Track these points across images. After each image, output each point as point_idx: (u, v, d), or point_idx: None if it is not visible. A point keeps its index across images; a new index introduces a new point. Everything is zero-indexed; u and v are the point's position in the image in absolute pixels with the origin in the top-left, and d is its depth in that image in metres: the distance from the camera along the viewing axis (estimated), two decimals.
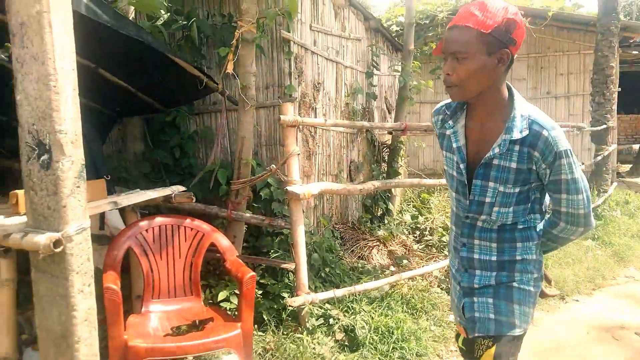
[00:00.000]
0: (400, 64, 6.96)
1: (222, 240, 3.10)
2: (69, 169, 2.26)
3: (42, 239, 2.15)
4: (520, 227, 1.74)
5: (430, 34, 9.08)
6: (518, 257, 1.75)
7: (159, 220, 3.06)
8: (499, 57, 1.55)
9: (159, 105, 4.06)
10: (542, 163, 1.60)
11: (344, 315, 3.54)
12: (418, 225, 5.89)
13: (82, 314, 2.33)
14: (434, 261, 4.98)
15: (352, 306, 3.67)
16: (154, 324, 2.70)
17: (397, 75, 7.35)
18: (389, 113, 7.78)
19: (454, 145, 1.74)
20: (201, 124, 4.53)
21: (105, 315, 2.43)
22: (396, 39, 8.23)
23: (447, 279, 4.72)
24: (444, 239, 5.47)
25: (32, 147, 2.27)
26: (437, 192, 6.97)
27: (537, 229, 1.78)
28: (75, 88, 2.30)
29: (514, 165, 1.63)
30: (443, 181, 5.10)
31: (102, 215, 3.27)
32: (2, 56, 3.40)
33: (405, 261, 5.00)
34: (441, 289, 4.45)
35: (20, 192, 2.73)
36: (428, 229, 5.76)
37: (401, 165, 6.54)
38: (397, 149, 6.33)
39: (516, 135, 1.59)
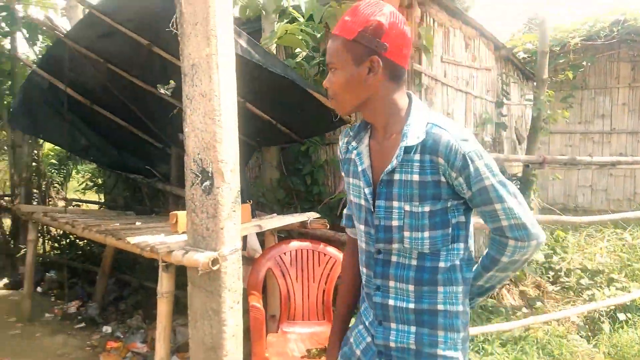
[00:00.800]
0: (531, 92, 6.67)
1: None
2: (228, 194, 2.47)
3: (202, 257, 2.37)
4: (443, 265, 1.41)
5: (561, 61, 8.62)
6: (440, 307, 1.42)
7: (296, 244, 3.21)
8: (369, 65, 1.35)
9: (295, 136, 4.31)
10: (451, 171, 1.33)
11: (476, 356, 3.42)
12: (552, 266, 5.51)
13: (231, 329, 2.51)
14: (572, 305, 4.62)
15: (484, 347, 3.53)
16: (292, 345, 2.82)
17: (528, 105, 7.03)
18: (519, 144, 7.46)
19: (359, 168, 1.48)
20: (331, 153, 4.71)
21: (249, 332, 2.60)
22: (525, 66, 7.93)
23: (587, 326, 4.36)
24: (582, 281, 5.06)
25: (196, 174, 2.53)
26: (574, 230, 6.49)
27: (465, 271, 1.45)
28: (236, 122, 2.54)
29: (415, 177, 1.36)
30: (587, 219, 4.76)
31: (244, 237, 3.51)
32: (164, 91, 3.84)
33: (538, 303, 4.69)
34: (580, 336, 4.11)
35: (180, 213, 3.03)
36: (564, 270, 5.36)
37: (532, 200, 6.21)
38: (530, 182, 6.03)
39: (412, 140, 1.35)
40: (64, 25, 4.59)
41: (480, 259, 1.48)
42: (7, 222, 7.34)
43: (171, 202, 4.97)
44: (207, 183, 2.47)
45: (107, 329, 4.46)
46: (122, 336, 4.34)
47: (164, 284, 2.75)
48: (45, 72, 4.39)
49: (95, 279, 5.75)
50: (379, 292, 1.47)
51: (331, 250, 3.25)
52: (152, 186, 5.05)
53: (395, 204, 1.39)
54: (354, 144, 1.52)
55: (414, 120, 1.38)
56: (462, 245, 1.42)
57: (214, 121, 2.42)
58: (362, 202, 1.48)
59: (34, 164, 6.76)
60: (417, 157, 1.35)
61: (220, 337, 2.50)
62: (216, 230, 2.46)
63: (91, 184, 6.37)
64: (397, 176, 1.38)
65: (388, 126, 1.43)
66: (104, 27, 3.16)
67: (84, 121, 4.70)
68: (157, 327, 2.80)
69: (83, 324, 4.61)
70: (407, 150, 1.36)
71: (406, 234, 1.39)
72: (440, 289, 1.41)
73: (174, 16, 2.57)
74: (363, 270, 1.54)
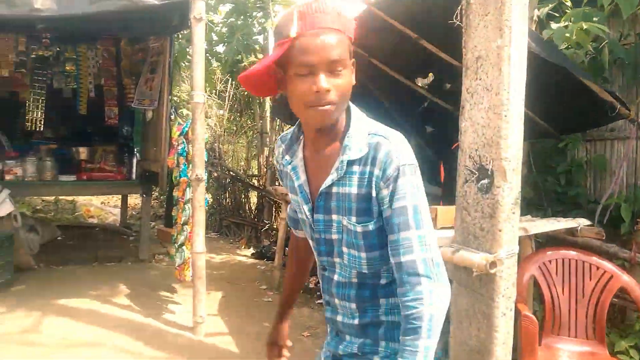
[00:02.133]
0: None
1: (637, 289, 2.76)
2: (508, 195, 2.32)
3: (478, 258, 2.27)
4: (384, 281, 1.32)
5: None
6: (382, 318, 1.33)
7: (564, 253, 2.93)
8: (353, 67, 1.24)
9: (553, 131, 3.93)
10: (380, 181, 1.21)
11: None
12: None
13: (502, 336, 2.37)
14: None
15: None
16: None
17: None
18: None
19: (295, 183, 1.36)
20: (592, 151, 4.20)
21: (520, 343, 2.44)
22: None
23: None
24: None
25: (471, 170, 2.43)
26: None
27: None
28: (522, 117, 2.36)
29: (354, 190, 1.25)
30: None
31: None
32: (421, 84, 3.85)
33: None
34: None
35: (439, 208, 3.00)
36: None
37: None
38: None
39: (355, 154, 1.23)
40: None
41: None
42: (254, 199, 8.37)
43: None
44: (485, 181, 2.36)
45: None
46: None
47: None
48: None
49: None
50: (328, 307, 1.44)
51: (607, 264, 2.88)
52: None
53: (334, 217, 1.31)
54: (287, 157, 1.40)
55: (355, 131, 1.25)
56: None
57: (500, 116, 2.28)
58: (304, 216, 1.39)
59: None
60: (356, 168, 1.25)
61: (490, 343, 2.38)
62: (492, 231, 2.34)
63: None
64: (335, 189, 1.28)
65: (328, 137, 1.29)
66: (377, 22, 3.27)
67: None
68: None
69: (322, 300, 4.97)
70: (350, 162, 1.24)
71: (344, 249, 1.31)
72: (382, 301, 1.33)
73: (458, 8, 2.49)
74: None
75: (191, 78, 3.50)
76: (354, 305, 1.35)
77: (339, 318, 1.40)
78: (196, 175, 3.54)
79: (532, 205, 4.28)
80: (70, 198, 8.98)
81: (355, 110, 1.30)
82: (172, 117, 4.84)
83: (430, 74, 3.73)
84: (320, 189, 1.31)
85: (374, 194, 1.24)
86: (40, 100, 6.05)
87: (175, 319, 4.05)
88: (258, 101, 8.08)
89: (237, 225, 7.89)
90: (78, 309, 4.09)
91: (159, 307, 4.32)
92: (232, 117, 9.34)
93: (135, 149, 5.97)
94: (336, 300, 1.39)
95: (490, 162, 2.34)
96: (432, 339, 1.14)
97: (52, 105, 6.32)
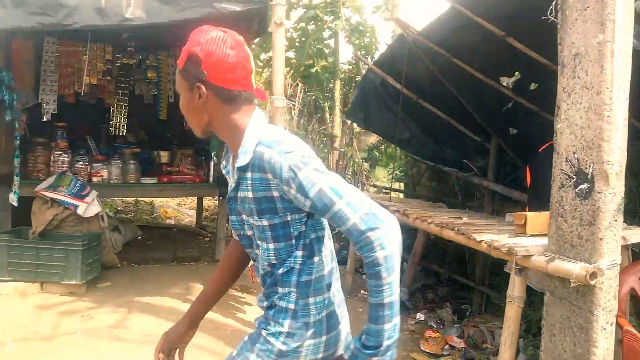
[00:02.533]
0: None
1: None
2: (610, 201, 2.18)
3: (577, 268, 2.13)
4: (281, 271, 1.47)
5: None
6: (275, 302, 1.50)
7: None
8: (197, 92, 1.41)
9: None
10: (283, 186, 1.34)
11: None
12: None
13: (601, 352, 2.22)
14: None
15: None
16: None
17: None
18: None
19: (229, 188, 1.52)
20: None
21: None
22: None
23: None
24: None
25: (568, 175, 2.29)
26: None
27: (302, 275, 1.45)
28: (626, 118, 2.21)
29: (250, 194, 1.42)
30: None
31: None
32: (506, 84, 3.70)
33: None
34: None
35: (529, 214, 2.86)
36: None
37: None
38: None
39: (242, 161, 1.39)
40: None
41: None
42: None
43: (486, 198, 4.84)
44: (585, 186, 2.22)
45: (420, 316, 4.63)
46: (434, 326, 4.45)
47: (516, 288, 2.62)
48: (379, 68, 4.75)
49: (400, 262, 6.07)
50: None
51: None
52: (467, 180, 5.01)
53: (244, 217, 1.48)
54: (223, 162, 1.59)
55: (247, 140, 1.40)
56: (300, 252, 1.45)
57: (601, 117, 2.14)
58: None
59: (349, 153, 7.54)
60: (249, 175, 1.39)
61: (587, 358, 2.24)
62: (592, 239, 2.20)
63: (401, 174, 6.74)
64: (238, 193, 1.46)
65: (234, 146, 1.45)
66: (460, 20, 3.19)
67: (408, 114, 4.93)
68: (503, 332, 2.71)
69: None
70: (241, 169, 1.40)
71: (259, 242, 1.47)
72: (279, 289, 1.48)
73: (552, 3, 2.36)
74: None
75: (270, 83, 3.54)
76: (264, 291, 1.56)
77: (258, 301, 1.61)
78: None
79: (625, 212, 4.00)
80: (148, 200, 9.39)
81: (254, 120, 1.44)
82: None
83: (517, 73, 3.57)
84: (228, 194, 1.52)
85: (276, 194, 1.37)
86: (124, 106, 6.37)
87: (251, 320, 4.11)
88: (329, 104, 8.13)
89: None
90: (160, 307, 4.24)
91: (235, 307, 4.41)
92: (300, 121, 9.46)
93: (212, 153, 6.13)
94: (262, 289, 1.58)
95: (590, 166, 2.21)
96: (393, 274, 1.27)
97: (134, 111, 6.64)
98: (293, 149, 1.34)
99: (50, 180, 4.89)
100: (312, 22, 7.51)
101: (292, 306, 1.46)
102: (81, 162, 5.48)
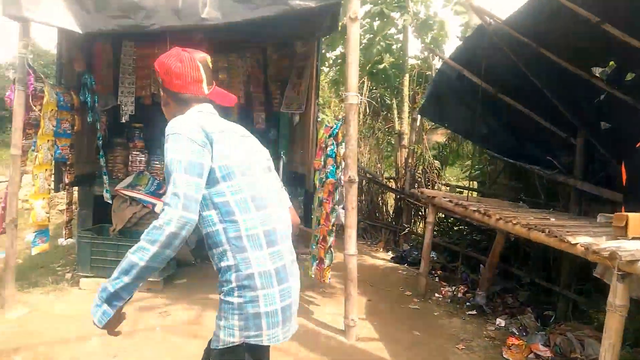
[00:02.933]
0: None
1: None
2: None
3: None
4: (205, 231, 1.70)
5: None
6: (219, 264, 1.69)
7: None
8: (162, 94, 1.90)
9: None
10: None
11: None
12: None
13: None
14: None
15: None
16: None
17: None
18: None
19: None
20: None
21: None
22: None
23: None
24: None
25: None
26: None
27: (230, 232, 1.66)
28: None
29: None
30: None
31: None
32: (598, 74, 3.42)
33: None
34: None
35: (632, 216, 2.60)
36: None
37: None
38: None
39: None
40: None
41: None
42: (390, 201, 8.24)
43: (573, 198, 4.52)
44: None
45: (500, 322, 4.39)
46: (517, 332, 4.20)
47: (619, 296, 2.38)
48: (456, 62, 4.55)
49: (475, 265, 5.83)
50: None
51: None
52: (551, 178, 4.70)
53: None
54: None
55: None
56: (213, 212, 1.66)
57: None
58: None
59: (418, 150, 7.33)
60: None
61: None
62: None
63: (476, 172, 6.47)
64: None
65: None
66: (549, 7, 2.97)
67: (486, 109, 4.70)
68: (602, 343, 2.47)
69: (474, 312, 4.67)
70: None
71: None
72: (214, 251, 1.69)
73: None
74: None
75: (336, 82, 3.46)
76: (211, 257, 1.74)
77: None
78: (349, 177, 3.49)
79: None
80: None
81: (188, 112, 1.80)
82: (319, 119, 4.88)
83: (611, 63, 3.29)
84: None
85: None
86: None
87: (324, 320, 4.05)
88: (397, 101, 7.95)
89: (373, 227, 7.81)
90: None
91: (306, 307, 4.36)
92: (366, 120, 9.33)
93: (282, 152, 6.14)
94: None
95: None
96: (152, 247, 1.53)
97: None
98: (175, 126, 1.66)
99: (129, 179, 5.06)
100: (378, 18, 7.37)
101: (232, 262, 1.65)
102: (157, 162, 5.63)
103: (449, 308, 4.76)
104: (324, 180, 4.21)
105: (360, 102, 8.96)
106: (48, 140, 4.03)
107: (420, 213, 7.23)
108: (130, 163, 5.50)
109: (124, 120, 5.69)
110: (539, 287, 4.87)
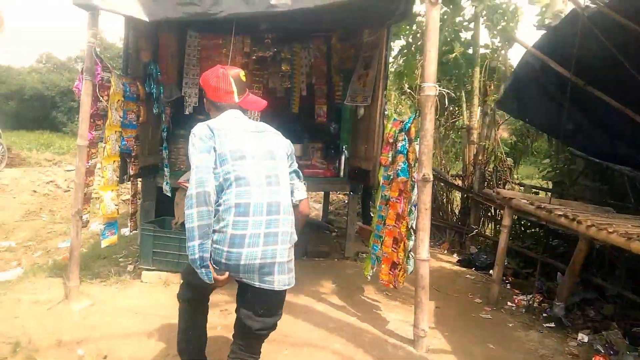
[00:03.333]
0: None
1: None
2: None
3: None
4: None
5: None
6: None
7: None
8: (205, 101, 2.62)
9: None
10: None
11: None
12: None
13: None
14: None
15: None
16: None
17: None
18: None
19: None
20: None
21: None
22: None
23: None
24: None
25: None
26: None
27: (221, 199, 2.22)
28: None
29: None
30: None
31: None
32: None
33: None
34: None
35: None
36: None
37: None
38: None
39: None
40: None
41: None
42: (457, 200, 7.83)
43: None
44: None
45: (582, 337, 3.99)
46: (602, 350, 3.80)
47: None
48: (539, 51, 4.16)
49: (550, 272, 5.39)
50: None
51: None
52: None
53: None
54: None
55: None
56: (217, 184, 2.25)
57: None
58: None
59: (490, 146, 6.88)
60: None
61: None
62: None
63: (554, 171, 5.98)
64: None
65: None
66: None
67: (573, 103, 4.27)
68: None
69: (552, 324, 4.28)
70: None
71: None
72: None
73: None
74: None
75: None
76: None
77: None
78: (423, 176, 3.22)
79: None
80: None
81: (220, 116, 2.45)
82: (386, 113, 4.62)
83: None
84: None
85: None
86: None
87: (390, 327, 3.81)
88: (466, 94, 7.53)
89: (436, 227, 7.43)
90: (295, 305, 4.10)
91: (371, 312, 4.13)
92: None
93: (344, 147, 5.92)
94: None
95: None
96: (191, 208, 2.14)
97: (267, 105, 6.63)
98: (195, 128, 2.32)
99: None
100: (447, 5, 6.96)
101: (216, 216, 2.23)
102: None
103: (523, 319, 4.39)
104: (391, 177, 3.95)
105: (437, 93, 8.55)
106: (115, 132, 3.99)
107: (489, 214, 6.80)
108: None
109: (187, 112, 5.64)
110: (626, 301, 4.42)
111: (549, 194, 5.58)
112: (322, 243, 6.37)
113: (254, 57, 6.26)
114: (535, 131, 6.93)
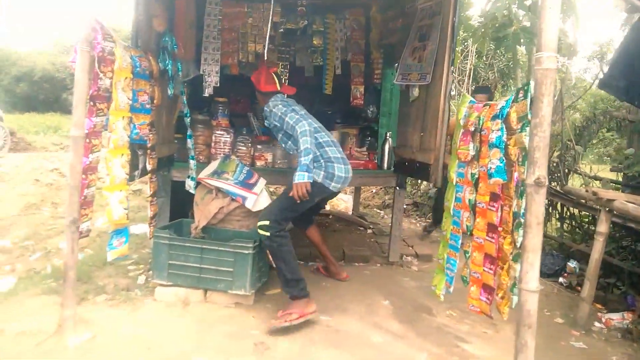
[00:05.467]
0: None
1: None
2: None
3: None
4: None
5: None
6: None
7: None
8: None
9: None
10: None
11: None
12: None
13: None
14: None
15: None
16: None
17: None
18: None
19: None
20: None
21: None
22: None
23: None
24: None
25: None
26: None
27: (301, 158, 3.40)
28: None
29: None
30: None
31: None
32: None
33: None
34: None
35: None
36: None
37: None
38: None
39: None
40: None
41: None
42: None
43: None
44: None
45: None
46: None
47: None
48: None
49: (637, 283, 4.55)
50: None
51: None
52: None
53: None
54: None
55: None
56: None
57: None
58: None
59: (559, 136, 5.92)
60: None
61: None
62: None
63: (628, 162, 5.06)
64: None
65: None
66: None
67: None
68: None
69: None
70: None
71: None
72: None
73: None
74: None
75: (539, 34, 2.32)
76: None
77: None
78: (537, 178, 2.36)
79: None
80: None
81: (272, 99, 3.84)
82: (453, 94, 3.74)
83: None
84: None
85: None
86: (284, 80, 5.52)
87: (474, 353, 3.00)
88: (522, 73, 6.59)
89: None
90: (347, 334, 3.30)
91: (447, 345, 3.28)
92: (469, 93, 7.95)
93: (387, 133, 5.05)
94: None
95: None
96: (301, 157, 3.41)
97: (293, 85, 5.76)
98: (272, 104, 3.77)
99: (214, 165, 4.15)
100: None
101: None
102: (243, 144, 4.71)
103: (625, 348, 3.56)
104: (476, 176, 3.10)
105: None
106: (123, 117, 3.15)
107: (557, 211, 5.84)
108: (213, 144, 4.61)
109: (207, 94, 4.81)
110: None
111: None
112: (359, 244, 5.55)
113: (282, 30, 5.40)
114: (603, 117, 6.00)
